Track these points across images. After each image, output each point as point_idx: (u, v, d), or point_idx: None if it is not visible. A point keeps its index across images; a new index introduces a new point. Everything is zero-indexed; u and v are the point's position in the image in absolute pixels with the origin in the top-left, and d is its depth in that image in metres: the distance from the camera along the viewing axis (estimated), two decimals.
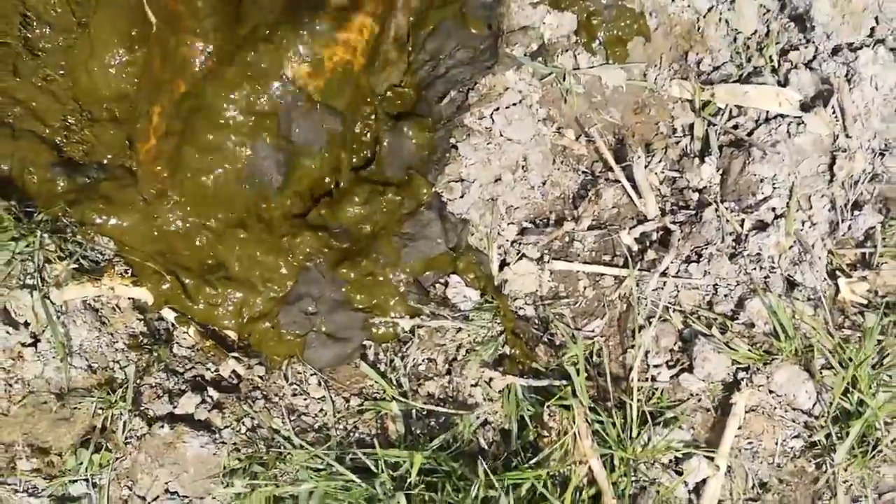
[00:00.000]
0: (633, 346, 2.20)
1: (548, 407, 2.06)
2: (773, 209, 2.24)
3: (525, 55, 2.37)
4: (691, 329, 2.21)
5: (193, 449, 2.04)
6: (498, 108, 2.32)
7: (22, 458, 1.98)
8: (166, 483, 2.02)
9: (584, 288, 2.32)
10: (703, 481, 2.08)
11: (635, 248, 2.34)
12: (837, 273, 2.25)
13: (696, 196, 2.36)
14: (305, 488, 1.99)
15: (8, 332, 2.03)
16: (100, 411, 2.04)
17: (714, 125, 2.38)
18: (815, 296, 2.20)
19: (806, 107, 2.31)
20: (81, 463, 1.99)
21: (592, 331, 2.27)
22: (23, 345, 2.05)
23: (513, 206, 2.33)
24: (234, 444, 2.08)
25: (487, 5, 2.38)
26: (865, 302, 2.22)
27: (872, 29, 2.36)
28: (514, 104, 2.33)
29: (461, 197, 2.29)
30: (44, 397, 2.03)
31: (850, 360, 2.09)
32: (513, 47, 2.35)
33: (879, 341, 2.16)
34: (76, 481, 1.99)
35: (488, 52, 2.35)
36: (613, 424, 2.06)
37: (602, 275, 2.31)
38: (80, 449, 2.00)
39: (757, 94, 2.30)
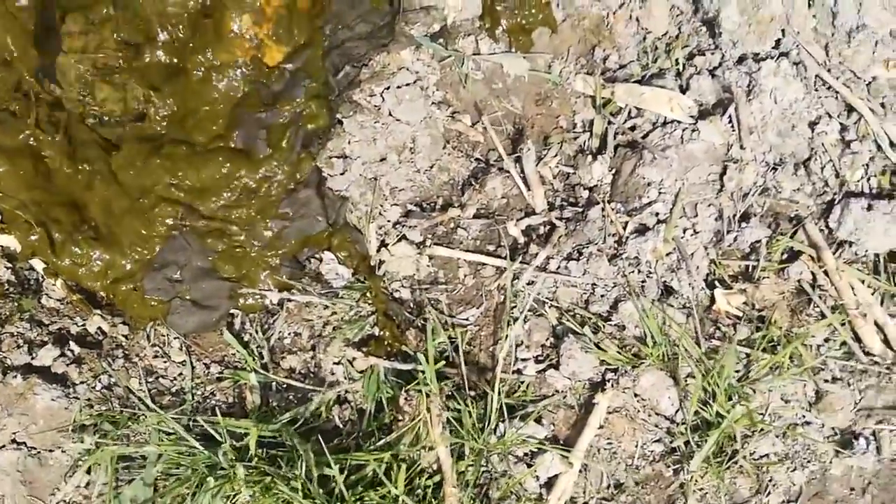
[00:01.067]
0: (505, 339, 2.20)
1: (405, 391, 2.07)
2: (657, 214, 2.23)
3: (425, 35, 2.34)
4: (564, 326, 2.22)
5: (44, 401, 2.04)
6: (389, 87, 2.29)
7: None
8: (13, 433, 2.02)
9: (465, 276, 2.32)
10: (555, 477, 2.10)
11: (521, 240, 2.34)
12: (717, 283, 2.25)
13: (586, 194, 2.35)
14: (153, 450, 2.00)
15: None
16: None
17: (613, 124, 2.36)
18: (689, 304, 2.20)
19: (704, 114, 2.29)
20: None
21: (467, 319, 2.27)
22: None
23: (397, 187, 2.32)
24: (88, 399, 2.08)
25: None
26: (740, 314, 2.22)
27: (778, 41, 2.33)
28: (408, 84, 2.30)
29: (342, 174, 2.27)
30: None
31: (711, 370, 2.10)
32: (412, 27, 2.32)
33: (747, 355, 2.17)
34: None
35: (386, 28, 2.32)
36: (470, 414, 2.07)
37: (483, 264, 2.31)
38: None
39: (652, 96, 2.28)
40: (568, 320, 2.21)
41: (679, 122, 2.29)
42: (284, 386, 2.14)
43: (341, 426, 2.11)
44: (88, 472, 2.03)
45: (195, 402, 2.12)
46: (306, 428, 2.05)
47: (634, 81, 2.35)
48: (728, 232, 2.27)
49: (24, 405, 2.03)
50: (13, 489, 2.00)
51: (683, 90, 2.33)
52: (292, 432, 1.99)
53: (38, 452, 2.02)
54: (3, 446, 2.01)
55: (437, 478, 2.01)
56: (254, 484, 1.91)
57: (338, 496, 1.88)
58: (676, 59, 2.37)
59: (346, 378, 2.14)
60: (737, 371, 2.16)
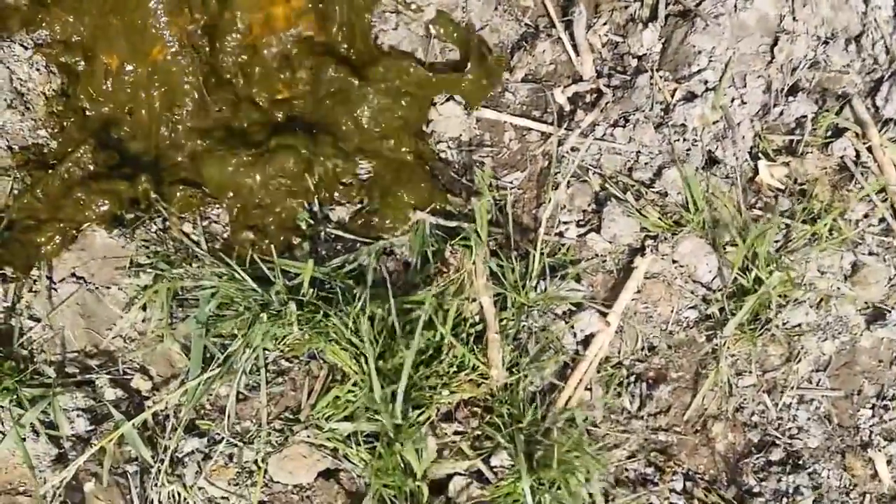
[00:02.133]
0: (547, 202, 2.24)
1: (450, 245, 2.12)
2: (705, 82, 2.24)
3: None
4: (607, 192, 2.25)
5: (102, 238, 2.10)
6: None
7: None
8: (73, 267, 2.09)
9: (510, 140, 2.34)
10: (592, 335, 2.15)
11: (567, 107, 2.35)
12: (761, 156, 2.26)
13: (634, 62, 2.35)
14: (208, 286, 2.06)
15: None
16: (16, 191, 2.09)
17: None
18: (733, 174, 2.22)
19: None
20: None
21: (511, 182, 2.30)
22: None
23: (447, 47, 2.32)
24: (144, 240, 2.14)
25: None
26: (782, 187, 2.25)
27: None
28: None
29: (395, 29, 2.27)
30: None
31: (751, 238, 2.13)
32: None
33: (787, 226, 2.20)
34: None
35: None
36: (513, 270, 2.12)
37: (529, 129, 2.33)
38: None
39: None
40: (611, 186, 2.24)
41: None
42: (333, 237, 2.19)
43: (387, 276, 2.16)
44: (144, 308, 2.10)
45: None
46: (354, 275, 2.11)
47: None
48: (775, 105, 2.28)
49: (83, 241, 2.10)
50: (73, 321, 2.08)
51: None
52: (342, 275, 2.05)
53: (97, 287, 2.10)
54: (63, 279, 2.09)
55: (479, 326, 2.07)
56: (305, 323, 1.98)
57: (388, 334, 1.95)
58: None
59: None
60: (776, 241, 2.19)
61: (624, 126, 2.27)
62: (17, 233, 2.03)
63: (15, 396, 1.93)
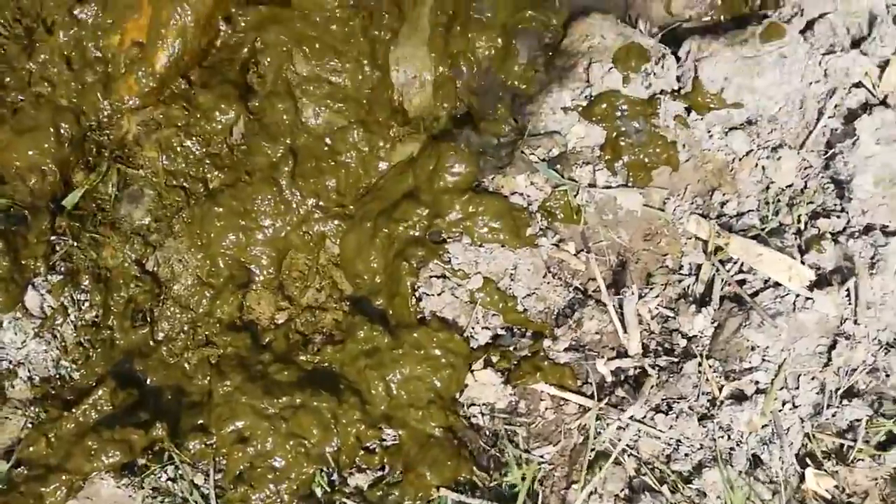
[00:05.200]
0: (578, 482, 2.12)
1: None
2: (756, 382, 2.13)
3: (543, 160, 2.26)
4: (641, 480, 2.13)
5: (109, 488, 2.02)
6: None
7: None
8: None
9: (546, 409, 2.24)
10: None
11: (609, 379, 2.25)
12: (808, 460, 2.13)
13: (683, 343, 2.25)
14: None
15: None
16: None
17: (721, 273, 2.26)
18: (777, 480, 2.09)
19: (820, 282, 2.18)
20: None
21: (542, 456, 2.19)
22: None
23: (490, 311, 2.24)
24: (154, 489, 2.05)
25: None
26: (829, 497, 2.11)
27: None
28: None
29: (439, 294, 2.20)
30: None
31: None
32: (534, 151, 2.24)
33: None
34: None
35: (505, 149, 2.25)
36: None
37: (567, 400, 2.23)
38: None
39: (770, 260, 2.17)
40: (646, 473, 2.12)
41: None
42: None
43: None
44: None
45: None
46: None
47: (752, 236, 2.24)
48: (828, 406, 2.15)
49: (89, 489, 2.01)
50: None
51: (802, 250, 2.22)
52: None
53: None
54: None
55: None
56: None
57: None
58: (799, 216, 2.26)
59: None
60: None
61: (666, 413, 2.15)
62: (21, 481, 1.95)
63: None
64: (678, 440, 2.14)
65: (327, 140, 2.43)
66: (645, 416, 2.17)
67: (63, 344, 2.15)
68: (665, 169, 2.30)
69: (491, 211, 2.19)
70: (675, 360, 2.22)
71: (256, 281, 2.37)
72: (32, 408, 2.06)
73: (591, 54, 2.31)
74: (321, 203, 2.40)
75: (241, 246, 2.35)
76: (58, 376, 2.14)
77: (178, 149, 2.41)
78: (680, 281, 2.32)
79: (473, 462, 2.15)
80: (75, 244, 2.27)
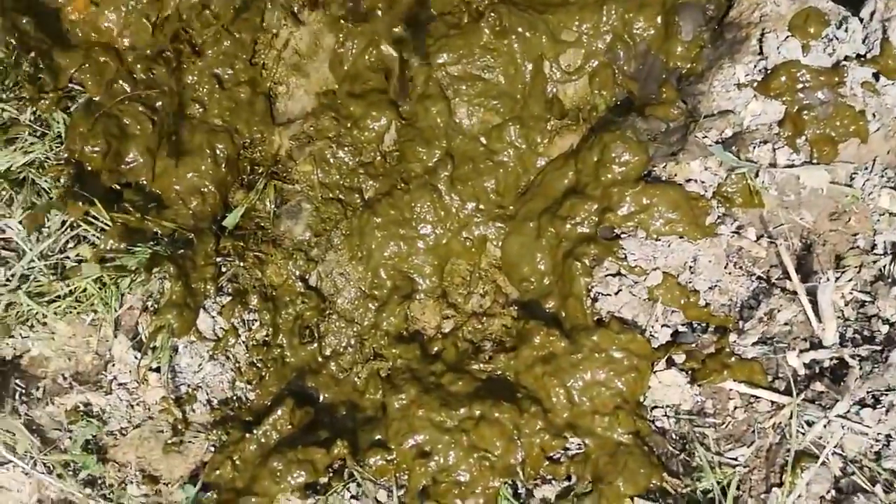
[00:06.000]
0: (779, 485, 1.98)
1: None
2: None
3: (717, 142, 2.10)
4: (850, 480, 1.96)
5: None
6: None
7: (133, 482, 1.99)
8: None
9: (735, 408, 2.09)
10: None
11: (802, 372, 2.08)
12: None
13: (885, 329, 2.06)
14: None
15: (136, 356, 2.03)
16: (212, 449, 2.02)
17: None
18: None
19: None
20: (188, 498, 1.99)
21: (736, 459, 2.05)
22: (151, 369, 2.05)
23: (670, 308, 2.11)
24: None
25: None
26: None
27: None
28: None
29: (616, 294, 2.08)
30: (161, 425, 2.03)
31: None
32: (708, 133, 2.08)
33: None
34: None
35: (676, 134, 2.10)
36: None
37: (758, 398, 2.07)
38: (188, 485, 2.00)
39: None
40: (854, 473, 1.95)
41: None
42: None
43: None
44: None
45: None
46: None
47: None
48: None
49: None
50: None
51: None
52: None
53: None
54: None
55: None
56: None
57: None
58: None
59: None
60: None
61: (873, 406, 1.97)
62: None
63: None
64: (888, 435, 1.96)
65: (482, 140, 2.35)
66: (849, 411, 1.99)
67: (237, 365, 2.15)
68: (852, 141, 2.11)
69: (666, 201, 2.05)
70: (878, 348, 2.03)
71: (420, 290, 2.32)
72: (214, 431, 2.06)
73: (763, 24, 2.14)
74: (481, 206, 2.33)
75: (402, 256, 2.31)
76: (235, 398, 2.14)
77: (332, 160, 2.39)
78: (875, 262, 2.12)
79: (663, 468, 2.03)
80: (241, 264, 2.27)
